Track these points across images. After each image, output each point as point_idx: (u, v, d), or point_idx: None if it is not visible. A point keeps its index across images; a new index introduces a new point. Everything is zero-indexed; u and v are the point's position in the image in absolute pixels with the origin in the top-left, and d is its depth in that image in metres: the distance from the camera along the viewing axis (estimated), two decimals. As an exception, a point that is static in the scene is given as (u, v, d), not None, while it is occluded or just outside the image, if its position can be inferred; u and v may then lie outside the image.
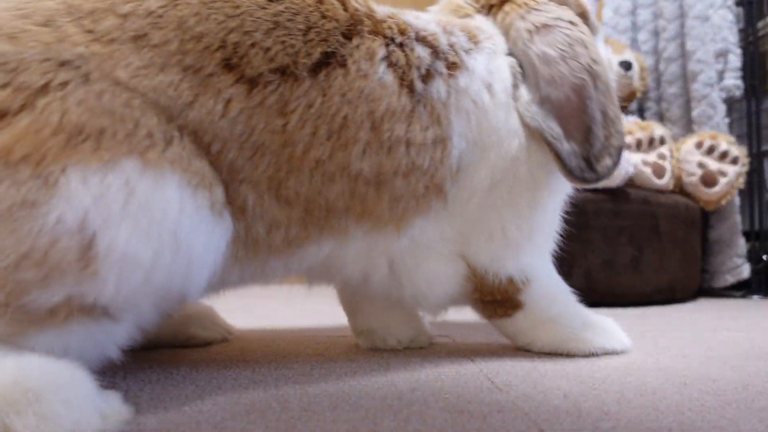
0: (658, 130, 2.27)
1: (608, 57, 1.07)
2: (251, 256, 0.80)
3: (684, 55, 2.62)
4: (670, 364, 0.95)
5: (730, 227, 2.48)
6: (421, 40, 0.88)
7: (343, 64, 0.81)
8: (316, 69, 0.79)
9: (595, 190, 2.05)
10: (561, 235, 1.06)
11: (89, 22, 0.70)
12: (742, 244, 2.49)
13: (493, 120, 0.92)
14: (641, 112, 2.85)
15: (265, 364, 0.94)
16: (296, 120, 0.77)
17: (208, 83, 0.73)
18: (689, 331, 1.37)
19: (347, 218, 0.84)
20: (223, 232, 0.74)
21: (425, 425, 0.61)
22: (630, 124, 2.33)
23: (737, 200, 2.48)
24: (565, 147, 0.91)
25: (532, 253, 0.98)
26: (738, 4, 2.71)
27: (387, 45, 0.85)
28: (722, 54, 2.61)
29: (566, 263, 2.05)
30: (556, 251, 1.06)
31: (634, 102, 2.79)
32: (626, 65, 2.53)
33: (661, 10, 2.69)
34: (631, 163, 2.11)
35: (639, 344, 1.16)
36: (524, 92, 0.93)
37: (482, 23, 0.99)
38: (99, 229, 0.61)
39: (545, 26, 0.94)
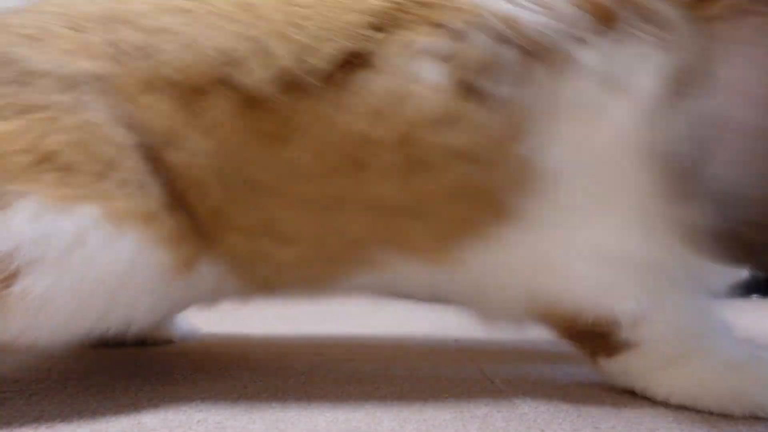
0: (658, 130, 2.27)
1: None
2: None
3: (684, 55, 2.62)
4: (670, 364, 0.95)
5: (729, 227, 2.48)
6: (493, 26, 0.59)
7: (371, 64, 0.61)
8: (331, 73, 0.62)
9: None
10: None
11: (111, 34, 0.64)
12: (741, 244, 2.49)
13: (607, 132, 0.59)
14: (641, 112, 2.85)
15: (265, 364, 0.93)
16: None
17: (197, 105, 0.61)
18: (689, 331, 1.36)
19: None
20: (186, 292, 0.66)
21: (425, 425, 0.61)
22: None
23: (737, 200, 2.48)
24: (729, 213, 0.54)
25: None
26: (737, 4, 2.71)
27: (433, 35, 0.61)
28: (722, 54, 2.61)
29: (566, 263, 2.07)
30: None
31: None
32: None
33: (661, 11, 2.69)
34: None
35: (639, 344, 1.15)
36: (687, 102, 0.57)
37: None
38: (23, 268, 0.55)
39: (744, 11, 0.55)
